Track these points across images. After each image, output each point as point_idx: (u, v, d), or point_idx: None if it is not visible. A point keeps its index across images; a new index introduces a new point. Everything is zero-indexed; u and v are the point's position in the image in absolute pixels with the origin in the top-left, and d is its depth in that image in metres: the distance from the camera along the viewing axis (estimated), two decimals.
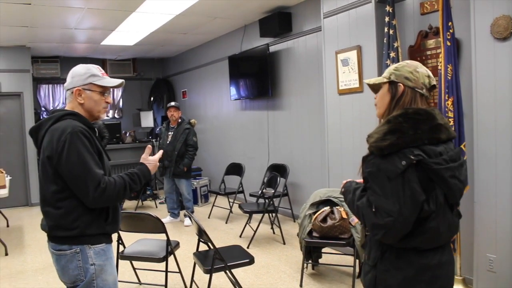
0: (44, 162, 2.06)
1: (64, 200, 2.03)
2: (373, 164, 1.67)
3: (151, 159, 2.26)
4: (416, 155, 1.60)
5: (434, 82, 1.77)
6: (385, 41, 4.05)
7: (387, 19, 4.03)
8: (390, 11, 4.01)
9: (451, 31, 3.46)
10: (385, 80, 1.81)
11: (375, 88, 1.89)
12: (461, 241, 3.63)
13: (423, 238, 1.66)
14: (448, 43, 3.45)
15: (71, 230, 2.05)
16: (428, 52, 4.04)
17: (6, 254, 5.31)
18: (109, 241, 2.21)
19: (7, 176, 5.81)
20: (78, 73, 2.15)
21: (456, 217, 1.80)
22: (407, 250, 1.68)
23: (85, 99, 2.15)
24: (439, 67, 3.56)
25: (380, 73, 4.16)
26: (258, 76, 6.78)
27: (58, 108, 9.24)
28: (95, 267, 2.11)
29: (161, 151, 2.46)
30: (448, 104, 3.44)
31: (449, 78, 3.44)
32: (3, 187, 5.46)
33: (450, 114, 3.44)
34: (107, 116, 10.13)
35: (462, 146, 3.47)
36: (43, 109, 9.47)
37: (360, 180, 1.85)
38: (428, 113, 1.68)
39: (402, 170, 1.58)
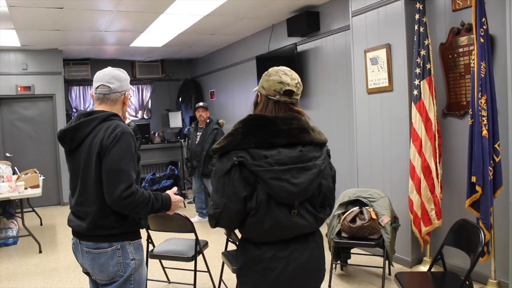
0: (91, 160, 2.10)
1: None
2: (214, 164, 1.87)
3: (174, 197, 2.31)
4: (239, 157, 1.74)
5: (287, 88, 1.85)
6: (415, 39, 3.97)
7: (417, 16, 3.96)
8: (421, 8, 3.94)
9: (484, 27, 3.36)
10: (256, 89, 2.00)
11: None
12: (495, 244, 3.53)
13: (247, 231, 1.83)
14: (482, 40, 3.36)
15: (114, 228, 2.11)
16: (460, 50, 3.94)
17: (40, 252, 5.45)
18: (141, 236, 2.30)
19: (40, 176, 5.96)
20: (124, 77, 2.27)
21: (300, 217, 1.81)
22: (247, 240, 1.89)
23: (127, 101, 2.31)
24: (472, 65, 3.47)
25: (410, 72, 4.09)
26: None
27: (88, 109, 9.43)
28: (135, 261, 2.18)
29: (177, 194, 2.45)
30: (481, 102, 3.35)
31: (482, 75, 3.35)
32: (37, 186, 5.60)
33: (484, 113, 3.34)
34: (136, 116, 10.28)
35: (496, 146, 3.37)
36: (74, 110, 9.67)
37: None
38: (267, 120, 1.80)
39: (227, 170, 1.76)
